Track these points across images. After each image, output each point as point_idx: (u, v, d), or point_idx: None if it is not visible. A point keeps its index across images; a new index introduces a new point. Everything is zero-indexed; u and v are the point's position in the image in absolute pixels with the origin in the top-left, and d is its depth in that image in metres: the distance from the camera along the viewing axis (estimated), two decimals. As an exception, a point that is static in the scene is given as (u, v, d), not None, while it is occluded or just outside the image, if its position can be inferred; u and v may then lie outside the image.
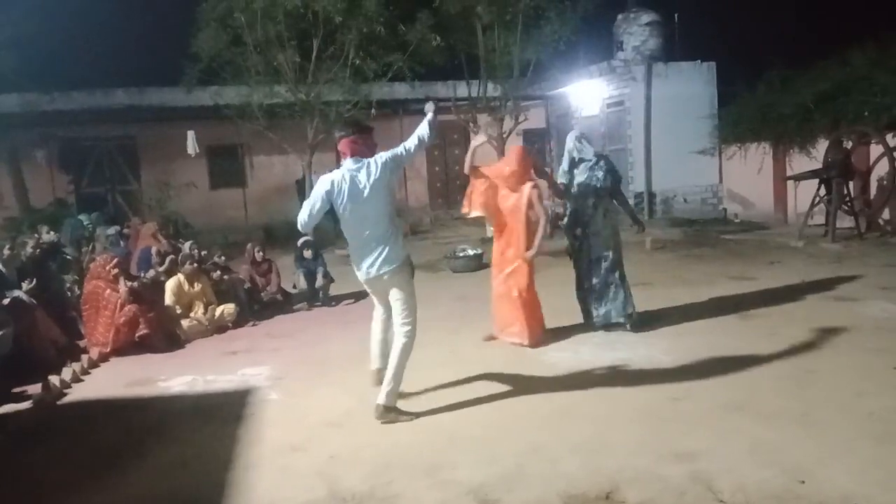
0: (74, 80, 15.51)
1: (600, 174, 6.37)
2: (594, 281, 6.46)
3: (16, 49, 13.85)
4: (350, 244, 4.63)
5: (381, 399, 4.48)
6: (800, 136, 13.62)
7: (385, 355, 4.74)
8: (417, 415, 4.56)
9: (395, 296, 4.59)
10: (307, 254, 8.81)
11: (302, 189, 14.30)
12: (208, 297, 7.65)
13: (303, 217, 4.56)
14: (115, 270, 6.95)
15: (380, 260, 4.49)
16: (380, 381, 4.63)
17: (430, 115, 4.65)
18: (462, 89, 15.05)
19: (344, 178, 4.46)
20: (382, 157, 4.51)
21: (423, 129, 4.63)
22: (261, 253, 8.75)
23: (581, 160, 6.49)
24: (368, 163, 4.49)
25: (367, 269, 4.54)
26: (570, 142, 6.60)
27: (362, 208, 4.46)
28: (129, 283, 6.92)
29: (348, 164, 4.51)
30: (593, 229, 6.43)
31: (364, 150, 4.55)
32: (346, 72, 12.94)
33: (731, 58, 16.79)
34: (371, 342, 4.92)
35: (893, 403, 4.30)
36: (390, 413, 4.48)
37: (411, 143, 4.62)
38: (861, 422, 4.04)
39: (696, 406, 4.44)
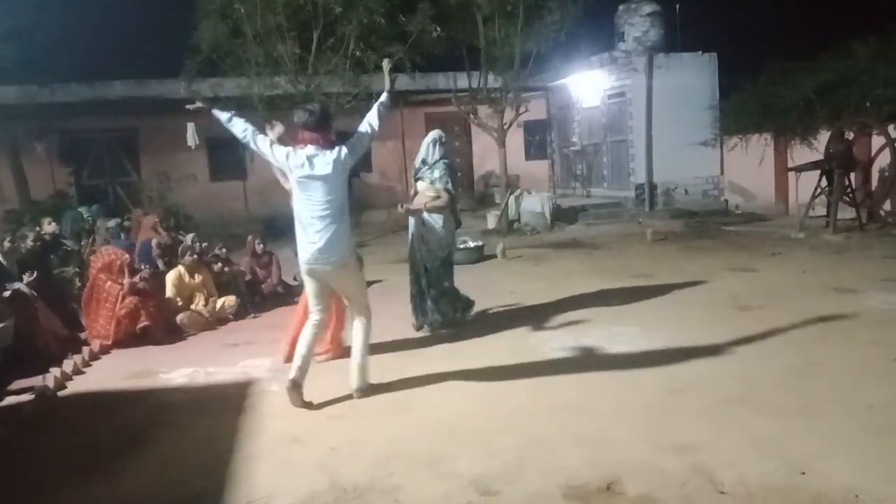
0: (74, 73, 15.44)
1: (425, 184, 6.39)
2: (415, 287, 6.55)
3: (15, 41, 13.78)
4: (300, 229, 4.70)
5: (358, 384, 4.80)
6: (801, 128, 13.56)
7: (305, 367, 4.74)
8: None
9: (350, 291, 4.82)
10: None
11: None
12: (209, 289, 7.64)
13: (247, 132, 4.66)
14: (119, 263, 6.95)
15: (322, 250, 4.59)
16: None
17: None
18: (462, 81, 15.00)
19: (304, 158, 4.58)
20: (343, 150, 4.61)
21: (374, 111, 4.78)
22: (261, 245, 8.74)
23: (424, 163, 6.45)
24: (327, 152, 4.60)
25: (313, 259, 4.64)
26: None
27: (317, 195, 4.59)
28: (131, 280, 6.92)
29: (307, 149, 4.61)
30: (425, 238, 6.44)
31: (325, 142, 4.65)
32: (347, 63, 12.88)
33: (733, 49, 16.71)
34: (300, 354, 4.76)
35: (893, 395, 4.30)
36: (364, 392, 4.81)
37: (365, 125, 4.74)
38: (861, 414, 4.05)
39: (696, 398, 4.45)
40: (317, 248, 4.59)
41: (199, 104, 4.82)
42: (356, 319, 4.88)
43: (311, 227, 4.61)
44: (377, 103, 4.80)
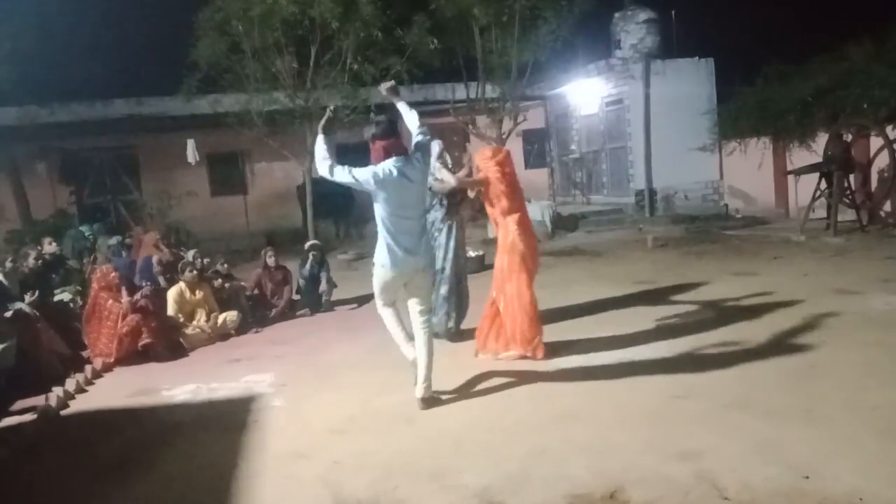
0: (74, 92, 15.53)
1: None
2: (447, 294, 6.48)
3: (15, 62, 13.87)
4: (390, 238, 4.71)
5: (424, 394, 4.78)
6: (799, 131, 13.58)
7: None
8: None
9: (425, 287, 4.92)
10: (313, 257, 8.79)
11: (303, 195, 14.31)
12: (210, 305, 7.65)
13: (341, 174, 4.65)
14: (116, 281, 6.97)
15: (416, 255, 4.75)
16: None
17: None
18: (461, 91, 15.05)
19: (391, 171, 4.65)
20: (417, 154, 4.80)
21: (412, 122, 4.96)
22: (272, 258, 8.63)
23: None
24: (412, 159, 4.76)
25: (406, 262, 4.74)
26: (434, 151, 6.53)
27: (409, 200, 4.74)
28: (131, 298, 6.93)
29: (395, 160, 4.69)
30: (437, 242, 6.40)
31: (400, 148, 4.79)
32: (345, 77, 12.93)
33: (729, 54, 16.76)
34: (401, 333, 4.96)
35: (898, 397, 4.29)
36: (433, 402, 4.81)
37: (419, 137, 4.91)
38: (865, 416, 4.03)
39: (699, 404, 4.44)
40: (411, 255, 4.72)
41: (330, 113, 4.90)
42: (424, 325, 4.89)
43: (404, 234, 4.72)
44: (415, 121, 4.99)
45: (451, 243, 6.50)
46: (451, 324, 6.53)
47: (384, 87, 4.97)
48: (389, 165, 4.67)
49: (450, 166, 6.29)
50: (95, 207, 17.04)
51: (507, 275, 5.68)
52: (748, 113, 14.58)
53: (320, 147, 4.75)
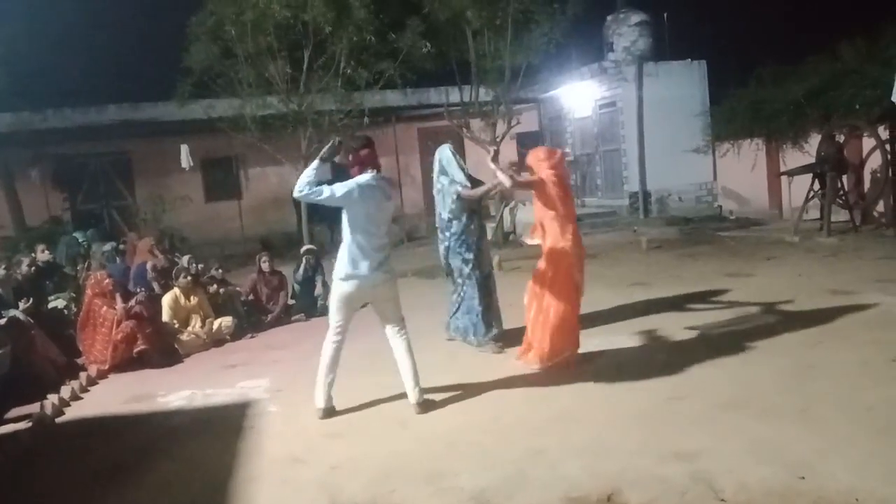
0: (67, 98, 15.52)
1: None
2: (490, 298, 6.33)
3: (8, 68, 13.85)
4: (358, 250, 4.69)
5: (418, 399, 4.77)
6: (792, 132, 13.61)
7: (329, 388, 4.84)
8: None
9: (394, 302, 4.90)
10: (308, 261, 8.77)
11: (297, 200, 14.27)
12: (205, 311, 7.64)
13: (320, 195, 4.64)
14: (110, 288, 6.96)
15: (382, 264, 4.77)
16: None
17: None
18: (454, 95, 15.07)
19: (370, 185, 4.73)
20: (388, 176, 5.08)
21: None
22: (267, 263, 8.60)
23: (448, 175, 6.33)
24: (389, 178, 4.95)
25: (372, 275, 4.71)
26: (447, 155, 6.40)
27: (382, 216, 4.82)
28: (125, 305, 6.91)
29: (372, 175, 4.78)
30: (473, 249, 6.24)
31: (377, 162, 4.91)
32: (338, 81, 12.92)
33: (722, 56, 16.85)
34: (328, 375, 4.81)
35: (892, 396, 4.31)
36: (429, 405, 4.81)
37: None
38: (860, 415, 4.05)
39: (694, 405, 4.45)
40: (377, 271, 4.72)
41: (335, 143, 4.88)
42: (400, 334, 4.87)
43: (376, 251, 4.74)
44: None
45: (486, 247, 6.47)
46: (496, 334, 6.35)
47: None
48: (368, 179, 4.72)
49: (465, 169, 6.29)
50: (89, 213, 17.01)
51: (551, 283, 5.41)
52: (741, 114, 14.61)
53: (310, 171, 4.63)
